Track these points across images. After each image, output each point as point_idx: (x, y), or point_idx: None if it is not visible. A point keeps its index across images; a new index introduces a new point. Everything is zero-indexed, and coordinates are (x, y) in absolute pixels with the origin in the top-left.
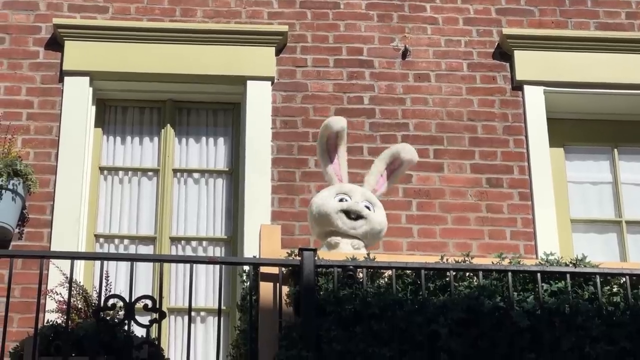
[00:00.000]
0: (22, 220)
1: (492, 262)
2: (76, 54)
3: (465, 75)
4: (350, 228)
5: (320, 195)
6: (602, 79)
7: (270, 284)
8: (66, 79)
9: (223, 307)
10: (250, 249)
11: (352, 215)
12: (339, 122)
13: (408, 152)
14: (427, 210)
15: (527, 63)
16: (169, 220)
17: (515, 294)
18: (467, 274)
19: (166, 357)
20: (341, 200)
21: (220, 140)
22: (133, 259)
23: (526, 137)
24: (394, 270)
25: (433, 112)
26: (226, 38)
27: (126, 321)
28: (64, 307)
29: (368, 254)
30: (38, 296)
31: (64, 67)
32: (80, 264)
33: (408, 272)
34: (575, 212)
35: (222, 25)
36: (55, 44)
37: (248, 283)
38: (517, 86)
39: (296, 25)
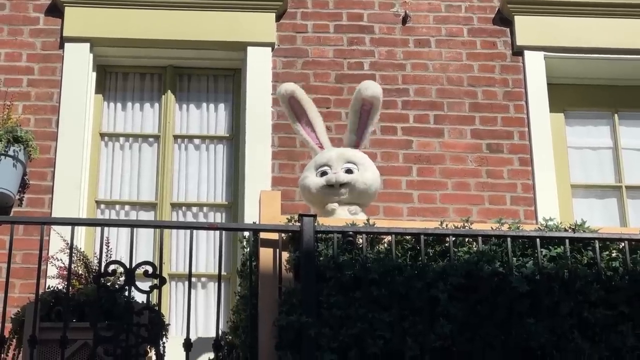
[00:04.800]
0: (23, 186)
1: (492, 228)
2: (76, 20)
3: (466, 40)
4: (338, 197)
5: (304, 175)
6: (603, 44)
7: (270, 250)
8: (67, 45)
9: (223, 273)
10: (251, 215)
11: (335, 186)
12: (285, 86)
13: (368, 88)
14: (427, 176)
15: (527, 28)
16: (170, 186)
17: (515, 259)
18: (467, 239)
19: (167, 322)
20: (323, 173)
21: (221, 106)
22: (133, 225)
23: (526, 102)
24: (393, 235)
25: (433, 77)
26: (226, 4)
27: (126, 287)
28: (65, 273)
29: (368, 220)
30: (39, 262)
31: (65, 34)
32: (81, 230)
33: (407, 237)
34: (576, 178)
35: None
36: (55, 10)
37: (248, 249)
38: (518, 51)
39: None
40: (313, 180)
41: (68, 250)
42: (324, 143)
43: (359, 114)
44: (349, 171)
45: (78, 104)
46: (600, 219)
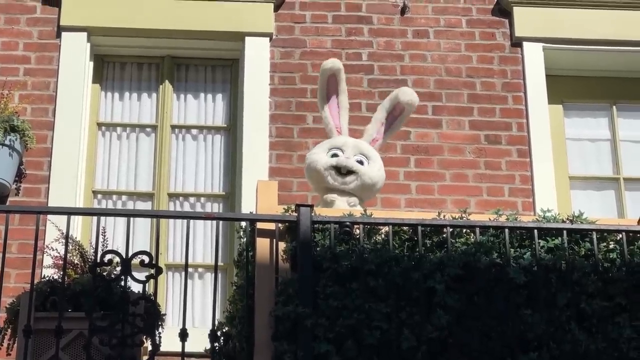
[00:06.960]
0: (20, 176)
1: (489, 219)
2: (74, 9)
3: (464, 31)
4: (341, 184)
5: (314, 151)
6: (602, 36)
7: (267, 240)
8: (64, 34)
9: (220, 263)
10: (248, 205)
11: (343, 170)
12: (332, 62)
13: (405, 93)
14: (425, 167)
15: (526, 19)
16: (167, 177)
17: (512, 250)
18: (464, 230)
19: (163, 312)
20: (334, 155)
21: (219, 96)
22: (129, 214)
23: (525, 93)
24: (390, 226)
25: (432, 68)
26: None
27: (123, 277)
28: (60, 262)
29: (365, 210)
30: (34, 252)
31: (62, 23)
32: (77, 220)
33: (405, 228)
34: (574, 169)
35: None
36: None
37: (245, 239)
38: (516, 43)
39: None
40: (322, 157)
41: (64, 240)
42: (343, 130)
43: (387, 115)
44: (359, 162)
45: (75, 94)
46: (598, 210)
